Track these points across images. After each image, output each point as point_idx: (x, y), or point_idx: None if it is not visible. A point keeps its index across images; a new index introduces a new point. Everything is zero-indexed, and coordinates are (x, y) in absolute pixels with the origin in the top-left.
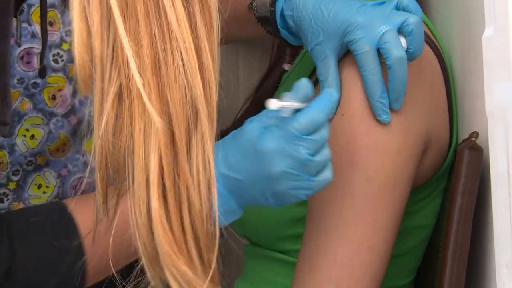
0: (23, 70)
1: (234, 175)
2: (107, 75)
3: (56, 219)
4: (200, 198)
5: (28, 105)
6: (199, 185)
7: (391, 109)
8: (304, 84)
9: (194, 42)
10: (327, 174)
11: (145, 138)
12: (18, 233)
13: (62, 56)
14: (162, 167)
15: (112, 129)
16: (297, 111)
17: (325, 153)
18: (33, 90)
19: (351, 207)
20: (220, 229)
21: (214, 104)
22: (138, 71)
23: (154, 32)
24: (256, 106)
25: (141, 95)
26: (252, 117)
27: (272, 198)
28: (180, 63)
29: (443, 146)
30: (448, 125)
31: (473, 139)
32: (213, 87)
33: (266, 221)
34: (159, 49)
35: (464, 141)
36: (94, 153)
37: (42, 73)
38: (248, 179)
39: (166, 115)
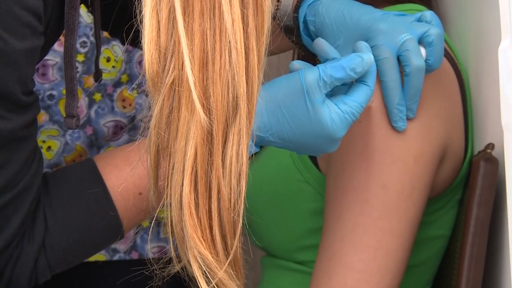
0: (39, 82)
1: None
2: (167, 67)
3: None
4: (229, 189)
5: (44, 117)
6: (230, 176)
7: (407, 117)
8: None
9: (244, 42)
10: None
11: (188, 127)
12: (50, 204)
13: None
14: (197, 156)
15: (166, 118)
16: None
17: None
18: (49, 102)
19: (367, 213)
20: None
21: (255, 102)
22: (190, 66)
23: (206, 30)
24: None
25: (190, 88)
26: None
27: None
28: (227, 60)
29: (458, 156)
30: (463, 136)
31: (488, 150)
32: (255, 86)
33: (283, 232)
34: (209, 46)
35: (479, 152)
36: (149, 139)
37: (97, 77)
38: None
39: (207, 108)
